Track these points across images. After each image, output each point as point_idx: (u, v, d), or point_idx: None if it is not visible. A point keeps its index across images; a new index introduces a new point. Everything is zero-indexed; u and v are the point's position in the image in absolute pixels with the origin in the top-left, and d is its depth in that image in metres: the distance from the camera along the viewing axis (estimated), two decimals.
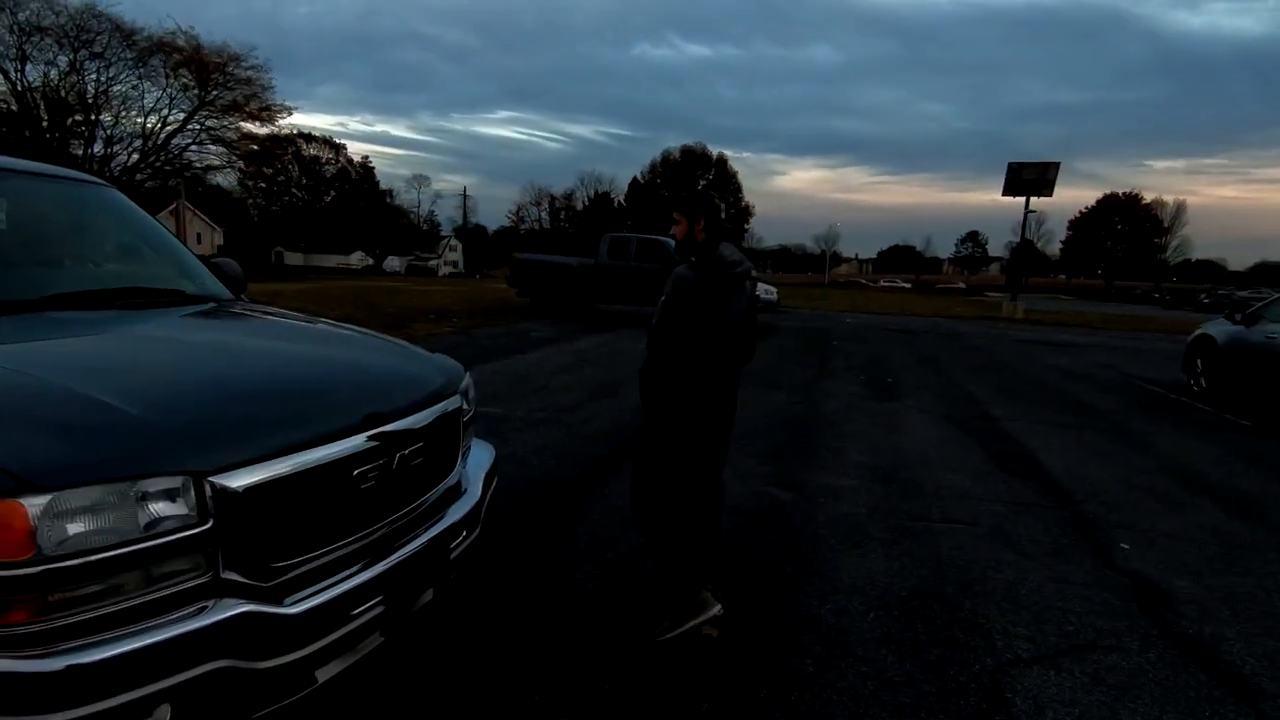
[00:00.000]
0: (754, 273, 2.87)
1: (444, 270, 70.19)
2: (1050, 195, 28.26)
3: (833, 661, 2.58)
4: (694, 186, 72.32)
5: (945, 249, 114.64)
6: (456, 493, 2.37)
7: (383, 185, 74.36)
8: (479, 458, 2.66)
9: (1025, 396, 8.57)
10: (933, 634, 2.80)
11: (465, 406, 2.52)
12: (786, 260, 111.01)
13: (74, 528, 1.33)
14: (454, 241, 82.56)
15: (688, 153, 75.27)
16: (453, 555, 2.18)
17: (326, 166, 68.48)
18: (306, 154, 66.64)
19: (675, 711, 2.25)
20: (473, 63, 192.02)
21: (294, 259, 65.36)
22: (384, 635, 1.93)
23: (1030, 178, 28.16)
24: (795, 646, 2.67)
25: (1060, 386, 9.54)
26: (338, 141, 70.69)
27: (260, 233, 62.73)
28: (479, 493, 2.42)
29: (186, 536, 1.48)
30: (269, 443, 1.65)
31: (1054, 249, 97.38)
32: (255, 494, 1.58)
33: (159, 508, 1.45)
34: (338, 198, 67.52)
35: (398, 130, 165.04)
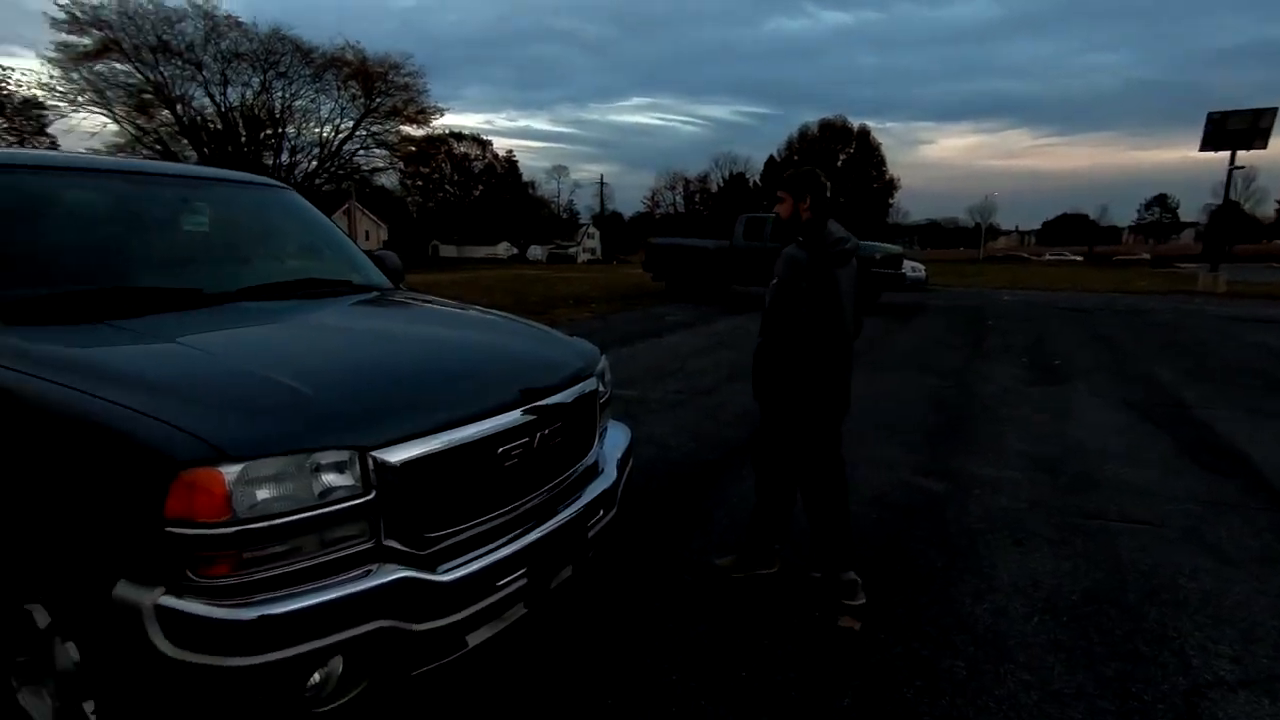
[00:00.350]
0: (859, 248, 2.86)
1: (582, 257, 72.44)
2: (1263, 147, 24.18)
3: (989, 666, 2.38)
4: (833, 162, 69.39)
5: (1124, 216, 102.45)
6: (594, 473, 2.43)
7: (525, 177, 78.11)
8: (615, 439, 2.70)
9: (1224, 380, 7.45)
10: (1110, 645, 2.51)
11: (601, 389, 2.57)
12: (936, 235, 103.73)
13: (261, 494, 1.49)
14: (592, 229, 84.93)
15: (826, 127, 72.22)
16: (590, 534, 2.24)
17: (475, 163, 72.91)
18: (457, 152, 71.27)
19: (814, 705, 2.18)
20: (607, 53, 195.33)
21: (448, 251, 70.21)
22: (527, 607, 2.01)
23: (1237, 128, 24.21)
24: (946, 646, 2.49)
25: (1270, 369, 8.19)
26: (485, 138, 75.22)
27: (418, 228, 67.98)
28: (615, 473, 2.47)
29: (353, 506, 1.61)
30: (423, 421, 1.76)
31: (1266, 210, 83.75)
32: (412, 468, 1.70)
33: (330, 478, 1.59)
34: (485, 192, 71.69)
35: (539, 124, 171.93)
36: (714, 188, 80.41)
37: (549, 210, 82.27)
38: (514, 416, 1.98)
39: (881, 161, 72.34)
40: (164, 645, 1.44)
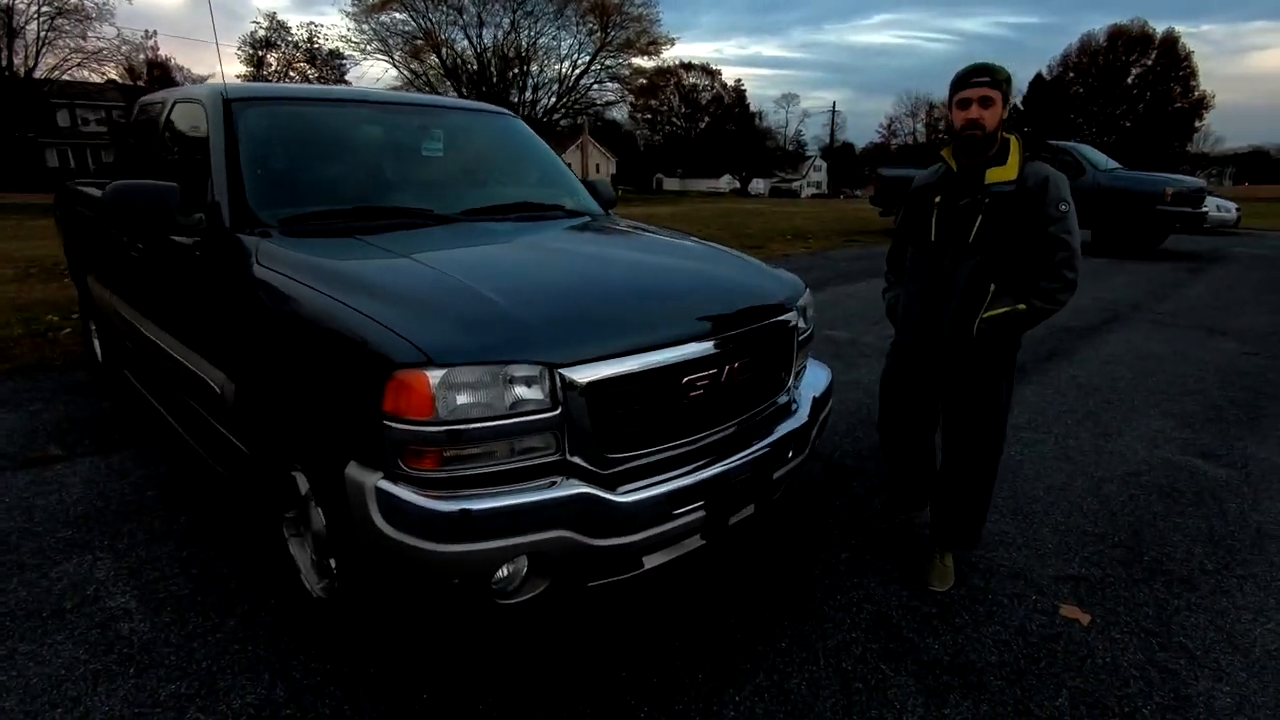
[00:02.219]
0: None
1: (806, 191, 69.45)
2: None
3: (1266, 699, 1.92)
4: (1122, 79, 57.90)
5: None
6: (786, 412, 2.30)
7: (752, 108, 75.78)
8: (814, 380, 2.54)
9: None
10: None
11: (802, 324, 2.41)
12: (1259, 166, 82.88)
13: (460, 398, 1.60)
14: (818, 162, 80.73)
15: (1117, 35, 59.95)
16: (776, 475, 2.14)
17: (703, 93, 72.19)
18: (686, 83, 71.05)
19: (1025, 707, 1.92)
20: None
21: (671, 184, 71.35)
22: (704, 539, 1.99)
23: None
24: (1206, 666, 2.05)
25: None
26: (713, 68, 73.71)
27: (644, 160, 69.71)
28: (808, 415, 2.32)
29: (540, 419, 1.67)
30: (612, 344, 1.76)
31: None
32: (597, 388, 1.72)
33: (521, 391, 1.66)
34: (711, 123, 71.00)
35: (769, 50, 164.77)
36: None
37: (774, 142, 79.43)
38: (702, 347, 1.92)
39: (1190, 75, 58.65)
40: (380, 521, 1.63)
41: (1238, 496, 3.12)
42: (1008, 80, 2.15)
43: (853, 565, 2.54)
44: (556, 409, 1.68)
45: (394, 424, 1.59)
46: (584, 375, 1.70)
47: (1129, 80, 58.35)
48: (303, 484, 2.08)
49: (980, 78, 2.13)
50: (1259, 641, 2.16)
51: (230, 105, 2.52)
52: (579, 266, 2.27)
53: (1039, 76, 61.54)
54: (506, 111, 3.48)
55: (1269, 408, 4.31)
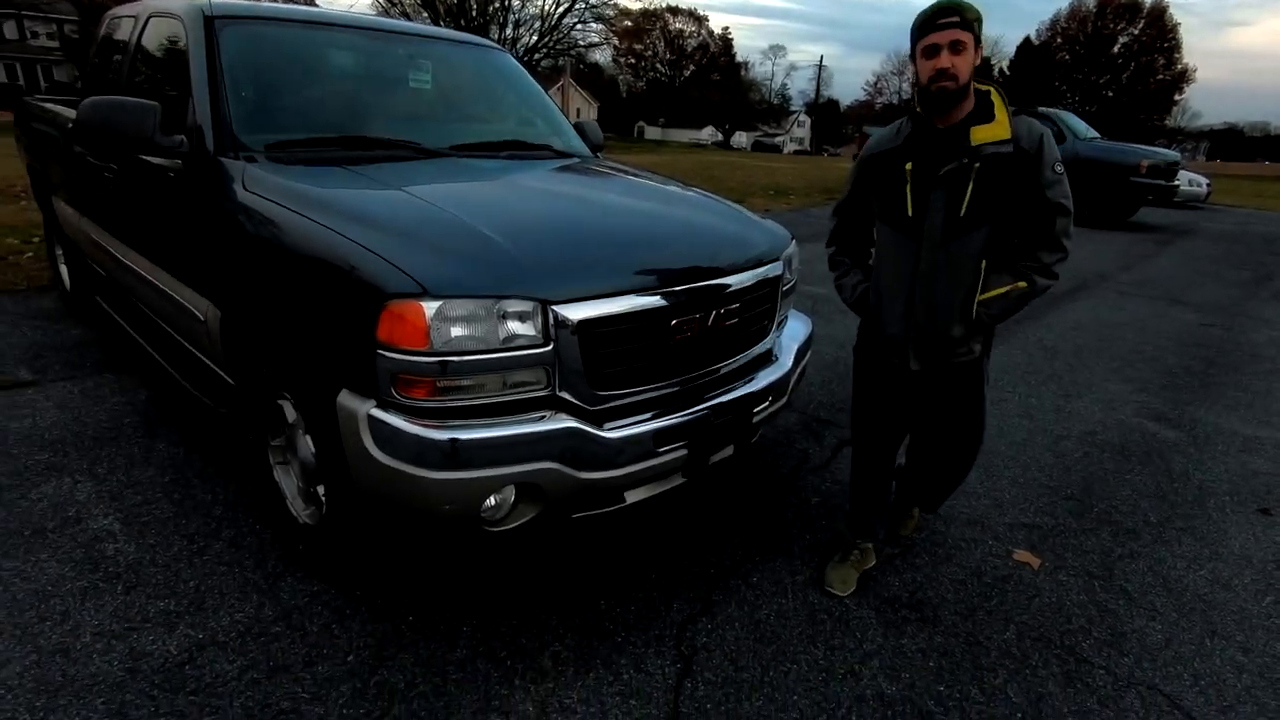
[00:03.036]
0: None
1: (789, 147, 68.68)
2: None
3: (1192, 636, 2.09)
4: (1108, 47, 57.73)
5: None
6: (767, 360, 2.37)
7: (739, 58, 74.16)
8: (795, 330, 2.60)
9: None
10: None
11: (787, 275, 2.45)
12: (1233, 143, 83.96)
13: (455, 330, 1.63)
14: (802, 118, 79.70)
15: (1106, 2, 59.60)
16: (756, 419, 2.21)
17: (689, 40, 70.32)
18: (672, 29, 69.07)
19: (976, 649, 2.07)
20: None
21: (653, 133, 69.99)
22: (685, 476, 2.07)
23: None
24: (1142, 606, 2.22)
25: None
26: (701, 14, 71.67)
27: (627, 107, 68.12)
28: (790, 364, 2.39)
29: (532, 354, 1.71)
30: (603, 283, 1.80)
31: None
32: (588, 326, 1.75)
33: (514, 325, 1.69)
34: (696, 72, 69.40)
35: None
36: None
37: (759, 95, 78.09)
38: (690, 290, 1.96)
39: (1175, 47, 58.72)
40: (373, 448, 1.66)
41: (1183, 456, 3.30)
42: (979, 20, 1.80)
43: (823, 509, 2.66)
44: (548, 345, 1.72)
45: (388, 353, 1.61)
46: (576, 313, 1.73)
47: (1115, 49, 58.23)
48: (290, 412, 2.10)
49: (948, 18, 1.75)
50: (1190, 587, 2.33)
51: (212, 22, 2.43)
52: (572, 207, 2.27)
53: (1027, 40, 61.10)
54: (495, 45, 3.40)
55: (1219, 376, 4.52)
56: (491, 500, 1.74)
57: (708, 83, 68.48)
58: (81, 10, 40.30)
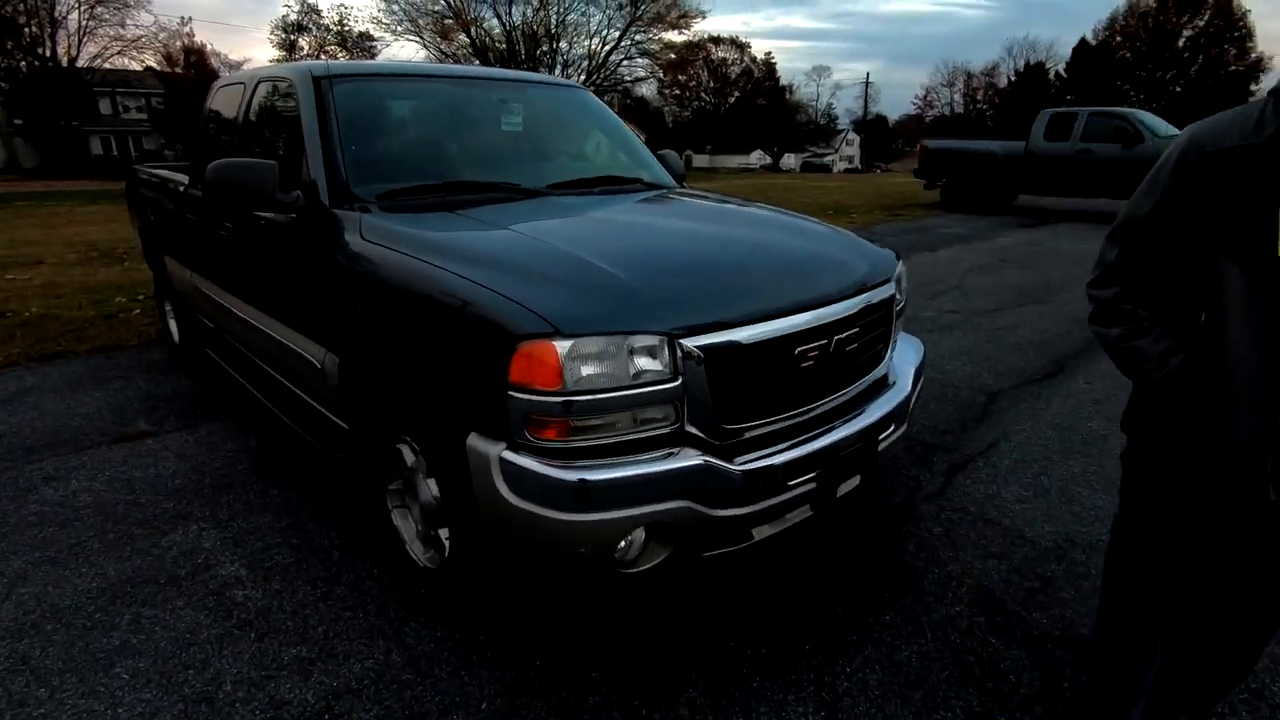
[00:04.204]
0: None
1: (839, 166, 68.12)
2: None
3: None
4: (1172, 42, 55.38)
5: None
6: (884, 384, 2.28)
7: (782, 81, 74.38)
8: (908, 352, 2.50)
9: None
10: None
11: (898, 296, 2.37)
12: None
13: (586, 369, 1.60)
14: (851, 135, 79.08)
15: None
16: (880, 446, 2.11)
17: (732, 67, 70.99)
18: (714, 58, 69.88)
19: None
20: None
21: (700, 160, 70.52)
22: (813, 510, 1.98)
23: None
24: None
25: None
26: (742, 41, 72.45)
27: (674, 138, 68.96)
28: (909, 387, 2.29)
29: (661, 389, 1.67)
30: (729, 313, 1.75)
31: None
32: (715, 358, 1.71)
33: (643, 361, 1.66)
34: (741, 98, 69.90)
35: (797, 21, 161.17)
36: (1004, 81, 69.31)
37: (806, 115, 77.87)
38: (813, 316, 1.90)
39: (1246, 35, 55.87)
40: (505, 491, 1.65)
41: None
42: None
43: (946, 540, 2.52)
44: (676, 379, 1.68)
45: (520, 394, 1.60)
46: (702, 345, 1.69)
47: (1179, 43, 55.81)
48: (409, 456, 2.11)
49: None
50: None
51: (319, 83, 2.54)
52: (684, 238, 2.25)
53: (1083, 41, 59.23)
54: (578, 85, 3.46)
55: None
56: (625, 541, 1.70)
57: (753, 108, 68.81)
58: (167, 85, 43.67)
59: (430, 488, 2.02)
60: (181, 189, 3.65)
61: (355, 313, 2.12)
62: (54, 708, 1.78)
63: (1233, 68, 55.46)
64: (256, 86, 3.00)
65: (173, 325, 4.52)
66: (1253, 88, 57.39)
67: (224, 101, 3.36)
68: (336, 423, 2.43)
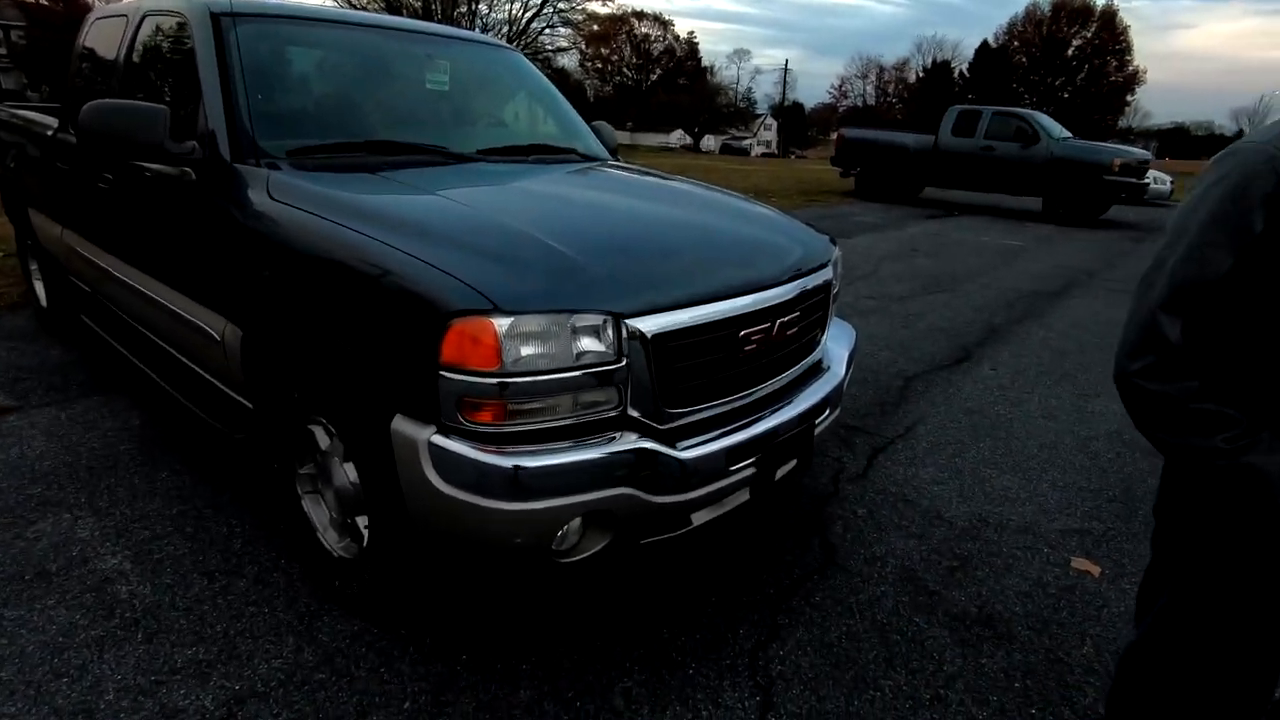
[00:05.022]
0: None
1: (756, 150, 69.15)
2: None
3: None
4: (1063, 50, 59.21)
5: None
6: (819, 369, 2.28)
7: (704, 62, 74.60)
8: (840, 337, 2.52)
9: None
10: None
11: (834, 281, 2.37)
12: (1181, 142, 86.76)
13: (526, 349, 1.50)
14: (768, 121, 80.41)
15: (1060, 6, 61.14)
16: (817, 430, 2.12)
17: (655, 44, 70.57)
18: (638, 33, 69.21)
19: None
20: None
21: (622, 137, 69.22)
22: (751, 495, 1.96)
23: None
24: None
25: None
26: (666, 18, 71.98)
27: (595, 112, 67.79)
28: (842, 372, 2.30)
29: (604, 371, 1.59)
30: (675, 294, 1.69)
31: None
32: (659, 340, 1.64)
33: (586, 342, 1.56)
34: (663, 76, 69.66)
35: (719, 3, 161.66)
36: (913, 77, 72.18)
37: (726, 98, 78.45)
38: (758, 298, 1.86)
39: (1126, 49, 60.55)
40: (435, 479, 1.53)
41: None
42: None
43: (870, 521, 2.57)
44: (621, 361, 1.60)
45: (453, 375, 1.48)
46: (648, 326, 1.62)
47: (1069, 52, 59.80)
48: (323, 438, 1.94)
49: None
50: None
51: (219, 21, 2.26)
52: (625, 215, 2.15)
53: (985, 44, 62.51)
54: (509, 46, 3.27)
55: None
56: (563, 530, 1.62)
57: (675, 87, 68.77)
58: (30, 18, 38.95)
59: (347, 473, 1.87)
60: (50, 133, 3.22)
61: (261, 280, 1.92)
62: None
63: (1113, 78, 60.10)
64: (142, 21, 2.65)
65: (39, 287, 4.03)
66: (1128, 98, 62.41)
67: (102, 36, 2.96)
68: (238, 400, 2.21)
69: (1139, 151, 12.91)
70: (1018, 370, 4.31)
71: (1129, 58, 60.46)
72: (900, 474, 2.94)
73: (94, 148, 2.01)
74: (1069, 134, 12.83)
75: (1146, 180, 12.35)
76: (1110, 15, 60.26)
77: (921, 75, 69.66)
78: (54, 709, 1.61)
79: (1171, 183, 17.42)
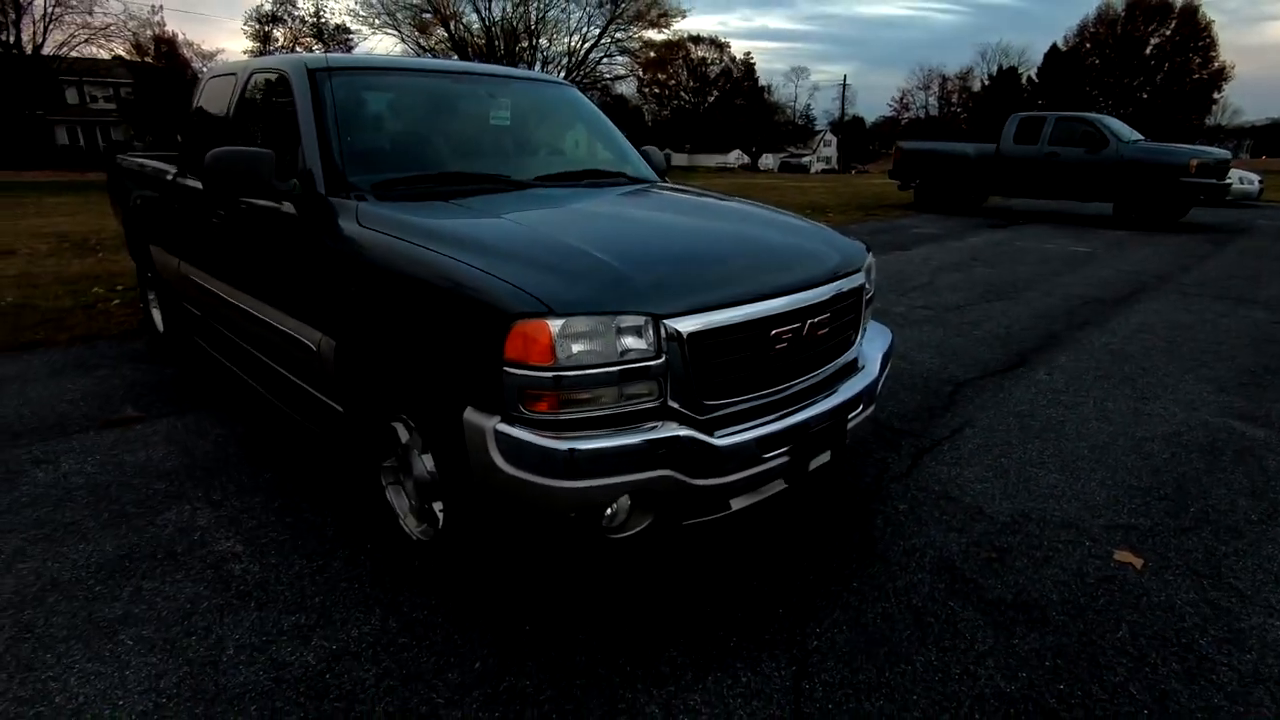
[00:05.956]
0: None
1: (816, 166, 68.73)
2: None
3: None
4: (1139, 50, 56.69)
5: None
6: (854, 368, 2.42)
7: (761, 81, 74.88)
8: (876, 339, 2.65)
9: None
10: None
11: (867, 285, 2.51)
12: (1277, 139, 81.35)
13: (576, 346, 1.72)
14: (828, 137, 79.83)
15: (1136, 4, 58.63)
16: (850, 424, 2.26)
17: (711, 67, 71.29)
18: (694, 57, 70.13)
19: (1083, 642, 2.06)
20: None
21: (679, 159, 70.63)
22: (786, 483, 2.12)
23: None
24: (1255, 603, 2.18)
25: None
26: (722, 40, 72.74)
27: (653, 136, 69.02)
28: (876, 371, 2.44)
29: (645, 366, 1.80)
30: (709, 297, 1.88)
31: None
32: (695, 339, 1.84)
33: (629, 340, 1.78)
34: (720, 97, 70.22)
35: (775, 22, 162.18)
36: (977, 85, 70.43)
37: (784, 116, 78.43)
38: (787, 301, 2.03)
39: (1210, 45, 57.41)
40: (501, 461, 1.76)
41: (1277, 455, 3.23)
42: None
43: (911, 516, 2.67)
44: (660, 357, 1.80)
45: (515, 370, 1.71)
46: (685, 326, 1.82)
47: (1147, 51, 57.22)
48: (403, 433, 2.21)
49: None
50: None
51: (315, 76, 2.62)
52: (666, 228, 2.38)
53: (1054, 48, 60.49)
54: (565, 82, 3.57)
55: None
56: (612, 507, 1.82)
57: (732, 107, 69.20)
58: (136, 75, 42.73)
59: (425, 463, 2.12)
60: (170, 177, 3.69)
61: (353, 297, 2.22)
62: (61, 671, 1.86)
63: (1196, 75, 57.02)
64: (249, 78, 3.06)
65: (156, 315, 4.54)
66: (1215, 96, 59.01)
67: (214, 92, 3.41)
68: (330, 405, 2.51)
69: (1218, 151, 12.34)
70: (1074, 375, 4.28)
71: (1213, 53, 57.29)
72: (944, 473, 3.01)
73: (216, 187, 2.36)
74: (1140, 136, 12.40)
75: (1228, 181, 11.79)
76: (1191, 10, 57.32)
77: (986, 83, 67.84)
78: (186, 660, 1.90)
79: (1261, 182, 16.48)
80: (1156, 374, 4.31)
